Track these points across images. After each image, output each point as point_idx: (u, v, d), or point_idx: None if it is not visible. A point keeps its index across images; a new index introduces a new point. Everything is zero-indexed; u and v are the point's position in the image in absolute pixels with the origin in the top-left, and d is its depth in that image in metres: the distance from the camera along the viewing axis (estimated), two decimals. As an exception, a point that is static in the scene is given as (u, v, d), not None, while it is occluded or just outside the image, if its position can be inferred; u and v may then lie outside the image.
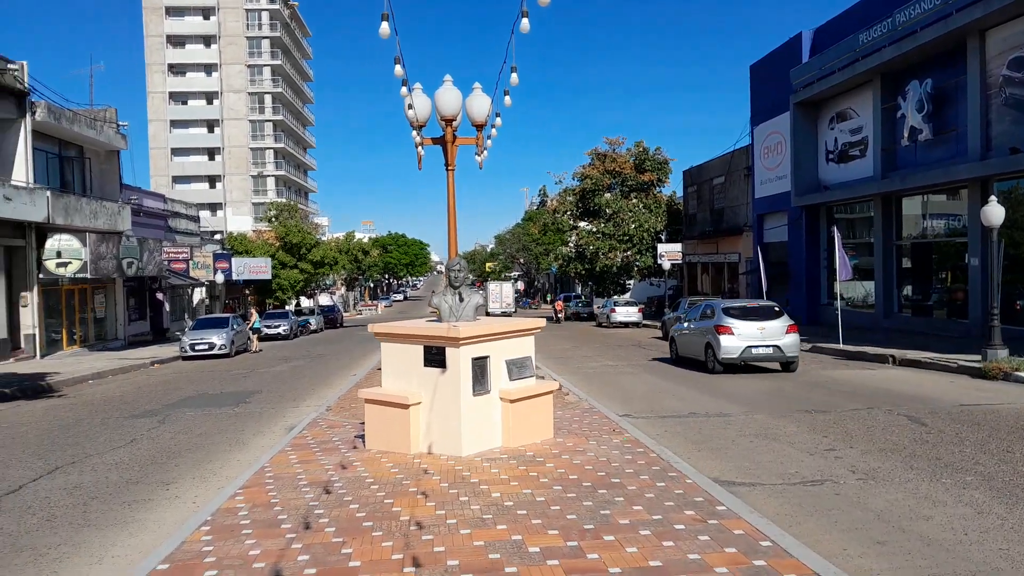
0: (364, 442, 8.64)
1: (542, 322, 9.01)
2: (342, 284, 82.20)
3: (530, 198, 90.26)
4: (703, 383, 15.05)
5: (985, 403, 11.50)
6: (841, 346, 20.06)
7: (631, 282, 56.25)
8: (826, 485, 7.12)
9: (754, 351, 16.14)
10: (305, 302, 57.92)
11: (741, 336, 16.19)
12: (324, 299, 63.90)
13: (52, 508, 7.36)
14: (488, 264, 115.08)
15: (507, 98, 11.11)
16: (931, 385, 13.69)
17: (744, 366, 16.57)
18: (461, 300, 8.29)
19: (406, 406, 7.99)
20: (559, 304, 50.27)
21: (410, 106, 10.87)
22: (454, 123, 11.16)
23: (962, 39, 20.80)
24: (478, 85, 11.50)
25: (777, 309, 17.11)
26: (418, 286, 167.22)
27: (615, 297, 48.00)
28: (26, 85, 24.50)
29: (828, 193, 28.46)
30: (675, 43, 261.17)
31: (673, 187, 51.45)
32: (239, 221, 73.63)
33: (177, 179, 76.85)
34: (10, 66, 23.70)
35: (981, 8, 19.30)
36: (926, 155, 23.28)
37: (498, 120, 12.47)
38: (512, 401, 8.06)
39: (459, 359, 7.67)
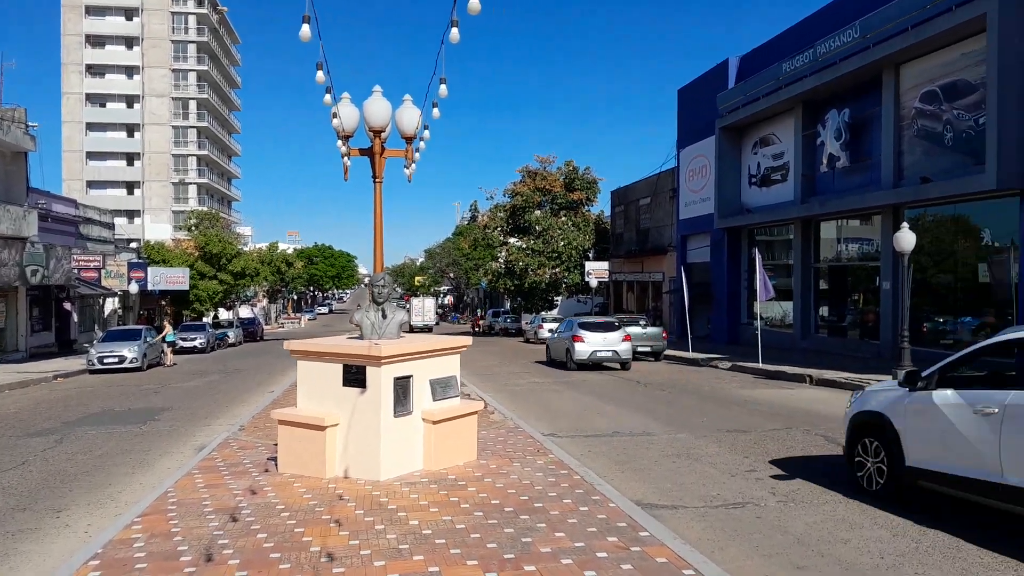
0: (277, 465, 8.23)
1: (469, 340, 8.80)
2: (264, 296, 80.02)
3: (462, 212, 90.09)
4: (628, 400, 15.08)
5: (897, 424, 11.83)
6: (761, 365, 20.49)
7: (559, 298, 56.59)
8: (748, 508, 7.11)
9: (598, 354, 22.03)
10: (225, 314, 56.09)
11: (590, 343, 22.09)
12: (244, 311, 62.03)
13: (-76, 539, 6.71)
14: (417, 278, 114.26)
15: (435, 110, 10.87)
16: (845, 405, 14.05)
17: (593, 365, 22.37)
18: (384, 317, 8.02)
19: (322, 428, 7.64)
20: (477, 319, 51.33)
21: (335, 115, 10.53)
22: (383, 134, 10.87)
23: (878, 72, 21.70)
24: (408, 97, 11.23)
25: (616, 324, 23.20)
26: (344, 299, 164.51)
27: (543, 313, 48.19)
28: (-78, 79, 22.94)
29: (750, 216, 29.22)
30: (607, 64, 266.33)
31: (601, 206, 52.18)
32: (158, 229, 70.97)
33: (92, 184, 73.40)
34: (-95, 58, 22.15)
35: (899, 42, 20.16)
36: (843, 182, 24.16)
37: (426, 133, 12.22)
38: (435, 422, 7.80)
39: (380, 379, 7.39)
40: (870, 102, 22.68)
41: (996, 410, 6.02)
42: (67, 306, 35.41)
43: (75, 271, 33.52)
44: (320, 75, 9.59)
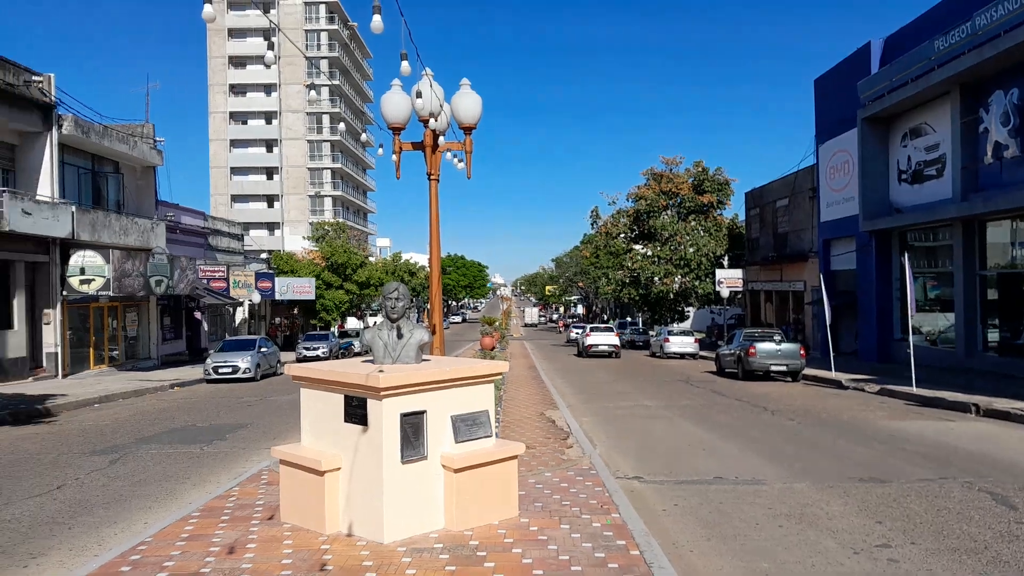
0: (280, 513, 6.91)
1: (504, 366, 7.15)
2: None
3: (586, 218, 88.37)
4: (745, 432, 12.86)
5: (1096, 478, 9.06)
6: (914, 389, 17.47)
7: (690, 310, 53.56)
8: (872, 614, 5.03)
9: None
10: (354, 324, 57.10)
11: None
12: (375, 320, 63.07)
13: None
14: (548, 288, 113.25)
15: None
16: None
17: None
18: (400, 337, 6.52)
19: (320, 472, 6.23)
20: (560, 323, 49.37)
21: (419, 94, 9.20)
22: (432, 125, 9.49)
23: (1058, 41, 18.14)
24: (466, 82, 9.84)
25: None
26: (479, 308, 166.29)
27: (671, 326, 45.52)
28: (52, 98, 24.01)
29: (900, 217, 25.70)
30: (734, 60, 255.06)
31: (735, 209, 48.80)
32: (296, 240, 73.85)
33: (236, 198, 77.65)
34: (35, 78, 23.23)
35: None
36: (1014, 174, 20.49)
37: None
38: (457, 470, 6.20)
39: (382, 414, 5.88)
40: (1049, 78, 19.04)
41: None
42: (197, 315, 36.68)
43: (203, 281, 34.61)
44: (405, 65, 8.56)
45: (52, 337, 24.96)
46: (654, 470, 9.85)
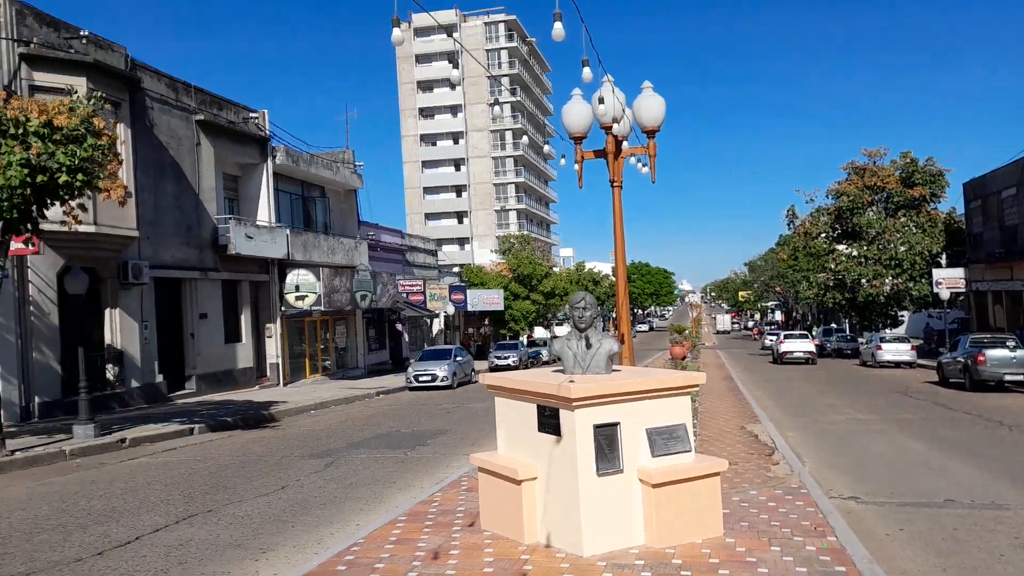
0: (480, 520, 7.02)
1: (701, 377, 6.80)
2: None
3: (781, 218, 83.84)
4: (978, 450, 11.45)
5: None
6: None
7: (904, 314, 49.12)
8: None
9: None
10: (541, 333, 58.04)
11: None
12: (560, 330, 63.73)
13: (130, 574, 6.61)
14: (741, 293, 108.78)
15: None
16: None
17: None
18: (589, 346, 6.40)
19: (517, 481, 6.24)
20: (755, 330, 46.38)
21: (600, 100, 9.20)
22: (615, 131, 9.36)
23: None
24: (648, 84, 9.62)
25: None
26: (665, 316, 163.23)
27: (883, 332, 41.94)
28: (267, 131, 26.56)
29: None
30: (941, 42, 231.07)
31: (952, 202, 44.14)
32: (484, 254, 76.58)
33: (429, 216, 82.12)
34: (251, 115, 25.84)
35: None
36: None
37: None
38: (655, 485, 5.96)
39: (575, 425, 5.79)
40: None
41: None
42: (399, 327, 38.93)
43: (403, 295, 36.68)
44: (587, 72, 8.68)
45: (274, 349, 27.49)
46: (873, 490, 8.99)
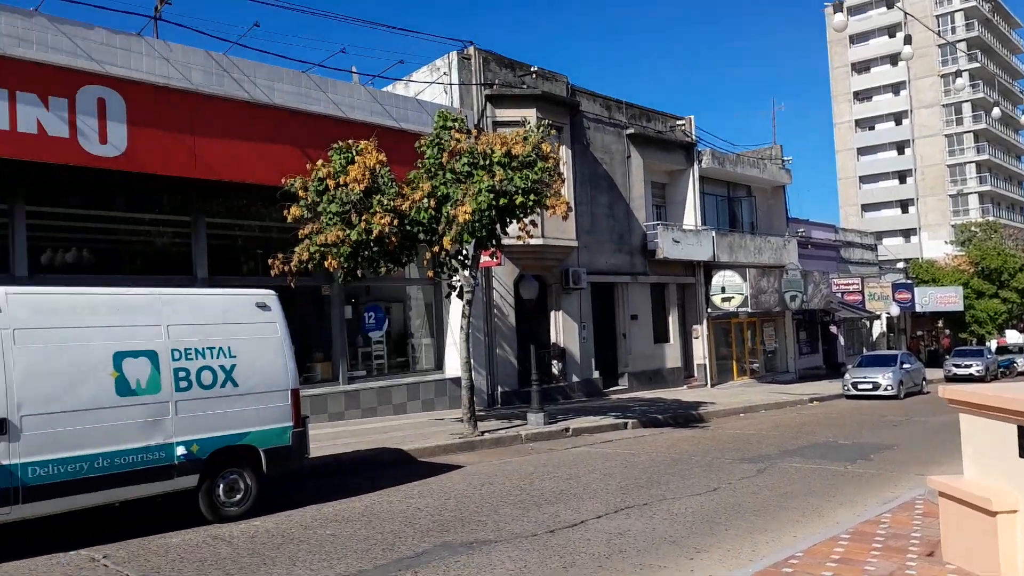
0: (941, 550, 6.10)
1: None
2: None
3: None
4: None
5: None
6: None
7: None
8: None
9: None
10: (1015, 337, 48.95)
11: None
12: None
13: (575, 554, 7.23)
14: None
15: None
16: None
17: None
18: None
19: (992, 513, 5.28)
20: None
21: None
22: None
23: None
24: None
25: None
26: None
27: None
28: (692, 137, 27.00)
29: None
30: None
31: None
32: (936, 246, 67.48)
33: (865, 207, 75.04)
34: (678, 123, 26.51)
35: None
36: None
37: None
38: None
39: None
40: None
41: None
42: (833, 329, 36.41)
43: (837, 295, 34.20)
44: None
45: (700, 350, 27.82)
46: None
